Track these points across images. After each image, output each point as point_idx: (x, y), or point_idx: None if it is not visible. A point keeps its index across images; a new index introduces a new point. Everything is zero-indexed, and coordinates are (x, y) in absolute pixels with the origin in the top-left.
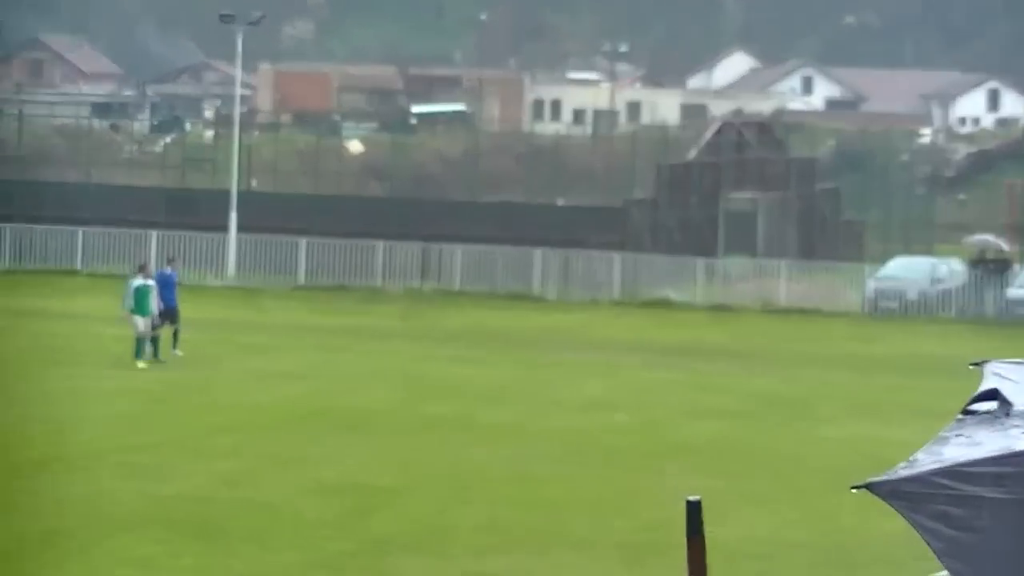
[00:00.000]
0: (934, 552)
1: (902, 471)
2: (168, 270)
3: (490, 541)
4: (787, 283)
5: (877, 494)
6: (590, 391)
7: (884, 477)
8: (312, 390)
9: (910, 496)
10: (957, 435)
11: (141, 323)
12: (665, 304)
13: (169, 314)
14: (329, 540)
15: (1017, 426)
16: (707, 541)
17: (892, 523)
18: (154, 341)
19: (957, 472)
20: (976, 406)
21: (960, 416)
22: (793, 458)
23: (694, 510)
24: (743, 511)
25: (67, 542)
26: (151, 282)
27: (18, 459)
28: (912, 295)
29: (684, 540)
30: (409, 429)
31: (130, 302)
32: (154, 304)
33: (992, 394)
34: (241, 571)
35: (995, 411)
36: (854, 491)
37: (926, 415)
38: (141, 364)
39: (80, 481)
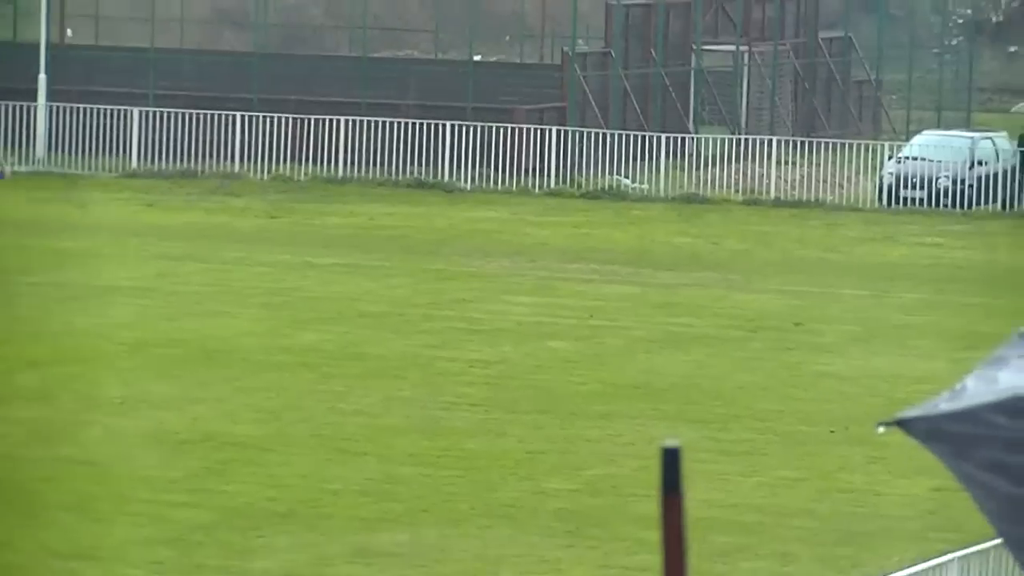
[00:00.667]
0: (984, 514)
1: (945, 404)
2: None
3: (386, 510)
4: (779, 167)
5: (912, 434)
6: (518, 312)
7: (922, 412)
8: (150, 312)
9: (956, 438)
10: (1021, 356)
11: None
12: (618, 195)
13: None
14: (176, 508)
15: None
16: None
17: (912, 483)
18: None
19: (1017, 406)
20: None
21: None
22: (786, 400)
23: (672, 459)
24: (722, 468)
25: None
26: None
27: None
28: (944, 182)
29: (638, 506)
30: (279, 364)
31: None
32: None
33: None
34: (59, 550)
35: None
36: (881, 430)
37: (960, 342)
38: None
39: None
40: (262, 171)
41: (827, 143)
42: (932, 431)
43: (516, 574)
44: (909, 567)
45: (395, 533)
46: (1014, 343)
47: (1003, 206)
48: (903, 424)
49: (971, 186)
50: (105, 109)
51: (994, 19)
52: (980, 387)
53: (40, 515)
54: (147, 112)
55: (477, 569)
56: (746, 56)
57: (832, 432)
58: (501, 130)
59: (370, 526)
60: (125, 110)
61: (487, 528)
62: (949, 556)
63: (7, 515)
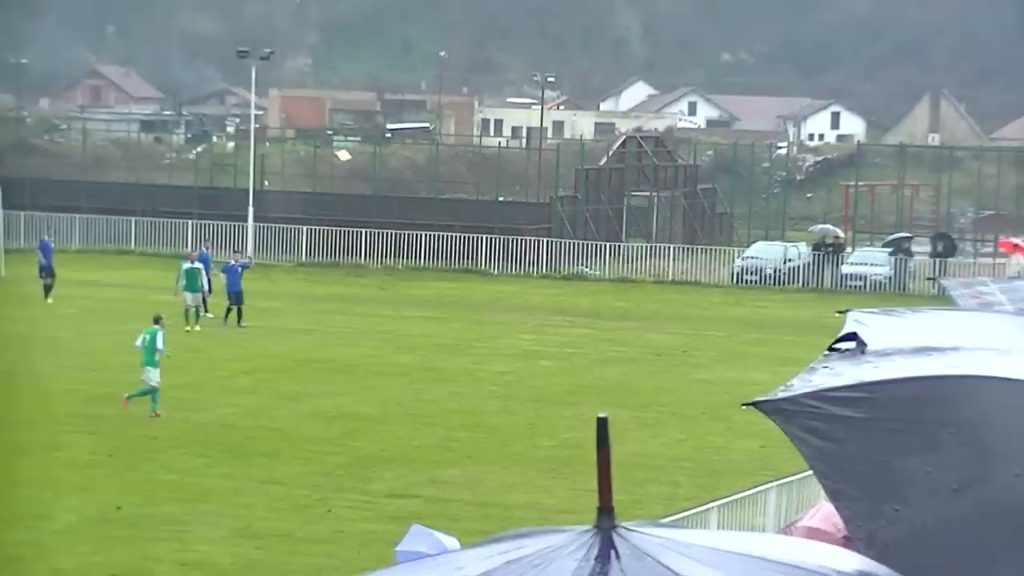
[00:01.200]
0: (803, 456)
1: (780, 393)
2: (205, 251)
3: (447, 457)
4: (674, 261)
5: (762, 410)
6: (523, 344)
7: (767, 397)
8: (313, 343)
9: (786, 413)
10: (824, 367)
11: (190, 298)
12: (581, 277)
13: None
14: (328, 455)
15: (869, 362)
16: (613, 455)
17: (748, 443)
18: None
19: (822, 395)
20: (839, 345)
21: (827, 352)
22: (677, 394)
23: (603, 425)
24: (640, 434)
25: (128, 457)
26: (198, 265)
27: (95, 393)
28: (769, 271)
29: (579, 445)
30: (386, 373)
31: (183, 282)
32: (204, 282)
33: (852, 336)
34: (260, 478)
35: (853, 350)
36: (743, 408)
37: (778, 362)
38: (187, 328)
39: (139, 411)
40: (377, 263)
41: (702, 248)
42: (774, 408)
43: (522, 493)
44: (747, 490)
45: (452, 470)
46: (821, 360)
47: (802, 285)
48: (757, 404)
49: (784, 274)
50: (286, 227)
51: (798, 177)
52: (800, 384)
53: (247, 458)
54: (311, 229)
55: (500, 489)
56: (656, 198)
57: (703, 413)
58: (513, 240)
59: (438, 466)
60: (298, 228)
61: (505, 467)
62: (771, 484)
63: (230, 459)
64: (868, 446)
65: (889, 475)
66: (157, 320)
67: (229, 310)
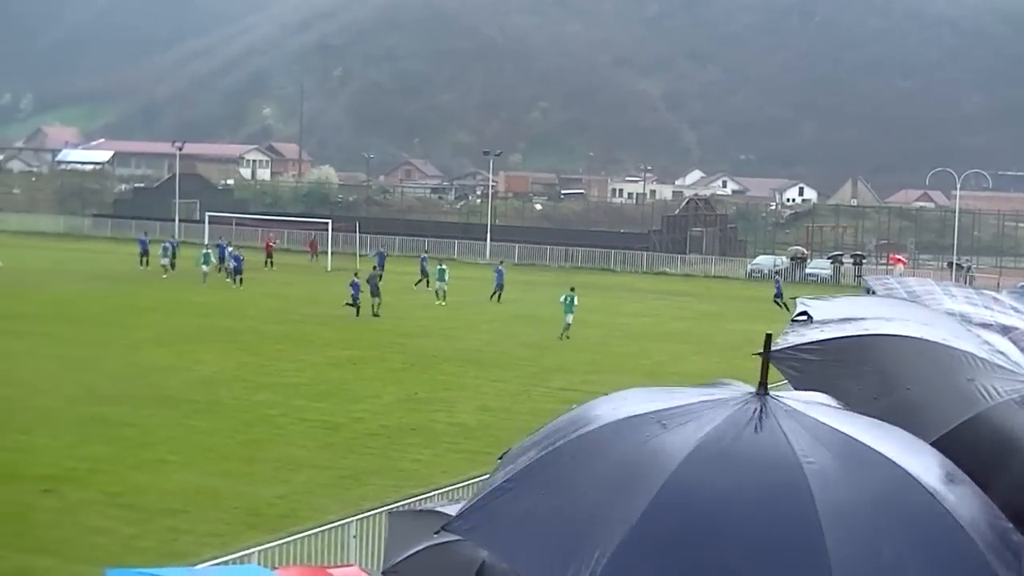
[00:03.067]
0: (787, 380)
1: (774, 347)
2: (437, 264)
3: (591, 369)
4: (714, 265)
5: (762, 356)
6: (633, 309)
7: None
8: (520, 305)
9: (776, 358)
10: (792, 332)
11: (440, 285)
12: (665, 273)
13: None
14: (527, 366)
15: (816, 327)
16: (678, 373)
17: (751, 365)
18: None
19: (795, 347)
20: (796, 318)
21: (791, 322)
22: (718, 337)
23: (768, 337)
24: (696, 360)
25: (420, 365)
26: (445, 266)
27: (403, 331)
28: (765, 271)
29: (663, 364)
30: (557, 322)
31: (435, 277)
32: (447, 276)
33: (804, 312)
34: (491, 378)
35: (805, 321)
36: (753, 355)
37: (770, 320)
38: (438, 303)
39: (426, 340)
40: (554, 263)
41: (729, 258)
42: (769, 356)
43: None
44: None
45: (595, 376)
46: (788, 327)
47: (784, 280)
48: (759, 353)
49: (774, 273)
50: (507, 244)
51: (780, 221)
52: (782, 341)
53: (483, 367)
54: (521, 245)
55: (621, 387)
56: (704, 232)
57: (728, 348)
58: (628, 252)
59: (587, 374)
60: (512, 244)
61: (620, 376)
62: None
63: (475, 368)
64: (822, 375)
65: (837, 391)
66: (572, 288)
67: (494, 293)
